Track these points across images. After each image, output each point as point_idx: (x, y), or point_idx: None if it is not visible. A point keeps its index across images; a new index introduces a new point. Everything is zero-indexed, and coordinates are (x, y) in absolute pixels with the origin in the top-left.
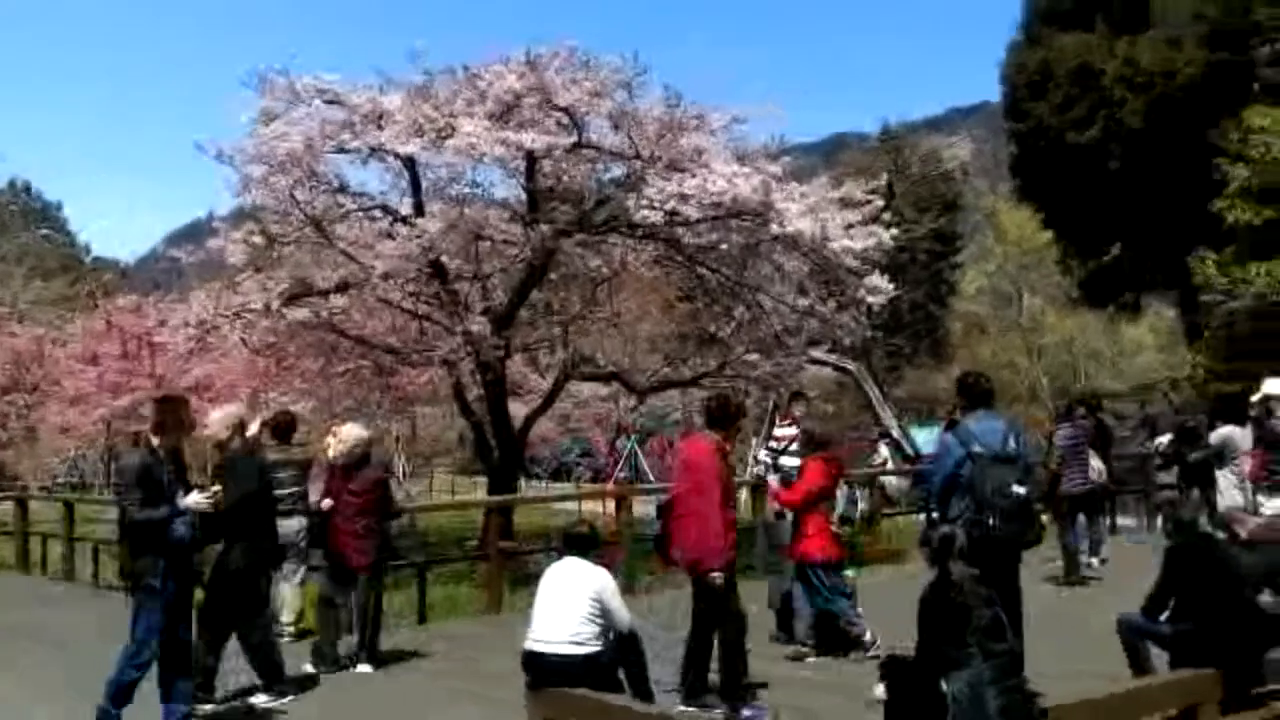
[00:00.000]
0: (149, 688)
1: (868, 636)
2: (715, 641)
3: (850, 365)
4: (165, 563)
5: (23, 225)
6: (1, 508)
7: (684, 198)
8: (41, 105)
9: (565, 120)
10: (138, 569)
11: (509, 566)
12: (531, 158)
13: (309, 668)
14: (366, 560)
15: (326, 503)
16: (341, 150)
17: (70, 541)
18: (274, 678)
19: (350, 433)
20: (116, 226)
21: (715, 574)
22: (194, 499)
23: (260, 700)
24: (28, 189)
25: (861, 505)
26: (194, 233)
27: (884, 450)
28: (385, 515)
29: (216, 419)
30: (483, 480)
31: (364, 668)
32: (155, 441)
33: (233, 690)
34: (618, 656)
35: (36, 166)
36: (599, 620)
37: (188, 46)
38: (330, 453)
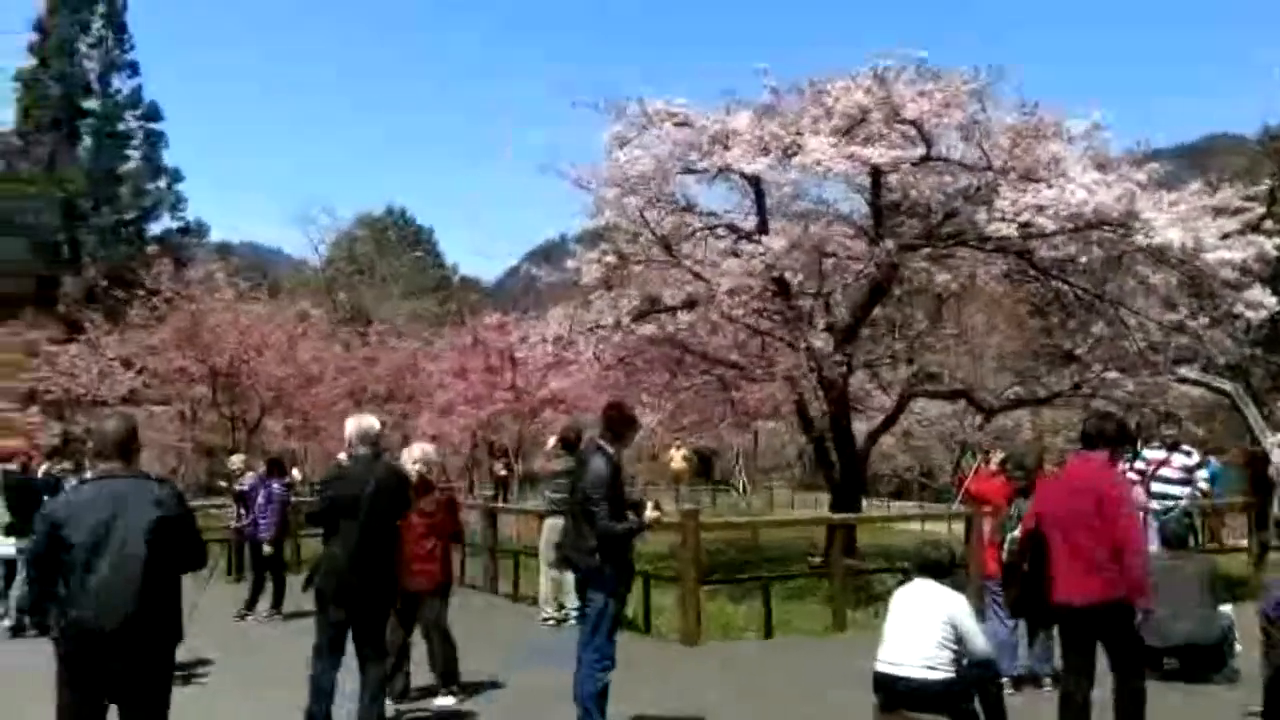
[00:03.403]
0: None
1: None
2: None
3: (1226, 385)
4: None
5: (399, 248)
6: None
7: (1039, 209)
8: (413, 133)
9: (912, 133)
10: (605, 577)
11: (852, 584)
12: (877, 172)
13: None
14: (432, 584)
15: None
16: (689, 171)
17: (492, 552)
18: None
19: (418, 451)
20: (480, 247)
21: (1141, 610)
22: (650, 514)
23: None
24: (403, 214)
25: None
26: (548, 252)
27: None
28: (453, 536)
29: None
30: (822, 496)
31: (445, 700)
32: (611, 449)
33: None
34: (973, 684)
35: (410, 192)
36: (953, 646)
37: (542, 75)
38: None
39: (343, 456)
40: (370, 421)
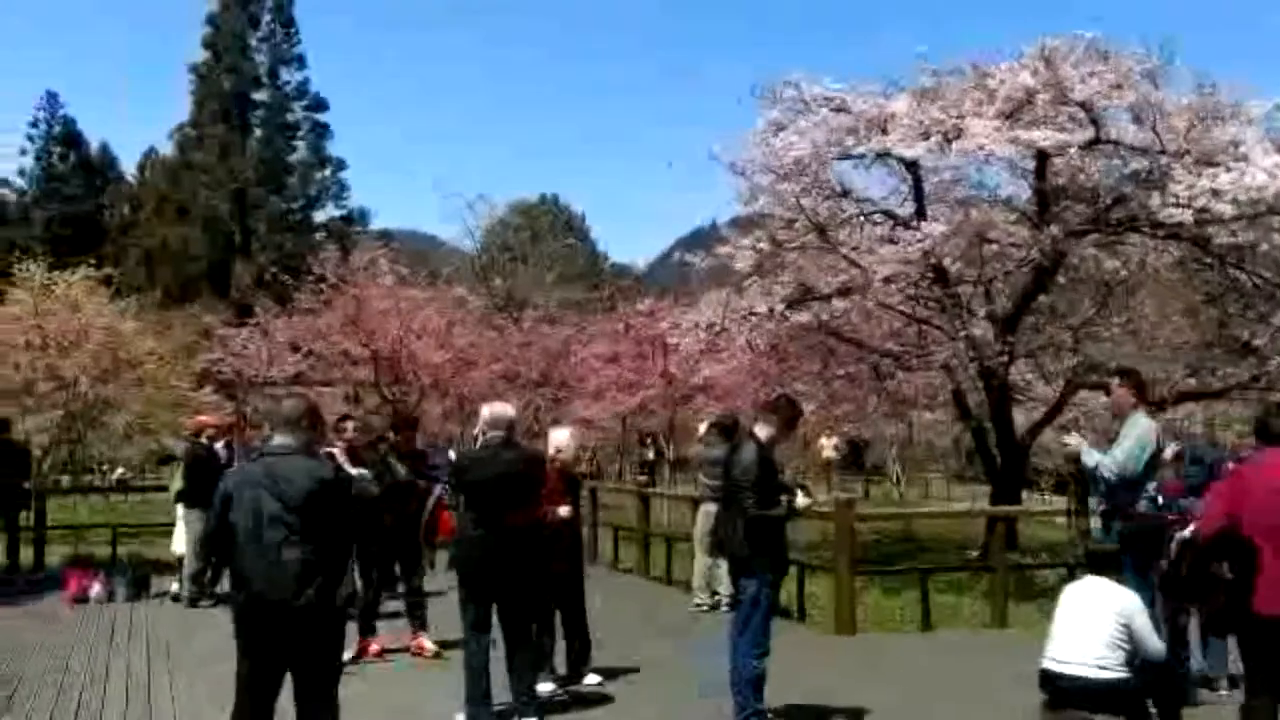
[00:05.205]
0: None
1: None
2: None
3: None
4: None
5: (552, 235)
6: None
7: (1216, 194)
8: (565, 118)
9: (1080, 115)
10: (756, 565)
11: (1013, 579)
12: (1043, 156)
13: (545, 685)
14: (577, 565)
15: (565, 510)
16: (846, 156)
17: (645, 537)
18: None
19: (564, 437)
20: (630, 234)
21: None
22: (801, 501)
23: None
24: (556, 201)
25: None
26: (697, 239)
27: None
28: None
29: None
30: (979, 488)
31: (592, 678)
32: (763, 437)
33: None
34: (1148, 686)
35: (563, 179)
36: (1126, 646)
37: (690, 61)
38: (563, 457)
39: (479, 441)
40: (502, 408)
